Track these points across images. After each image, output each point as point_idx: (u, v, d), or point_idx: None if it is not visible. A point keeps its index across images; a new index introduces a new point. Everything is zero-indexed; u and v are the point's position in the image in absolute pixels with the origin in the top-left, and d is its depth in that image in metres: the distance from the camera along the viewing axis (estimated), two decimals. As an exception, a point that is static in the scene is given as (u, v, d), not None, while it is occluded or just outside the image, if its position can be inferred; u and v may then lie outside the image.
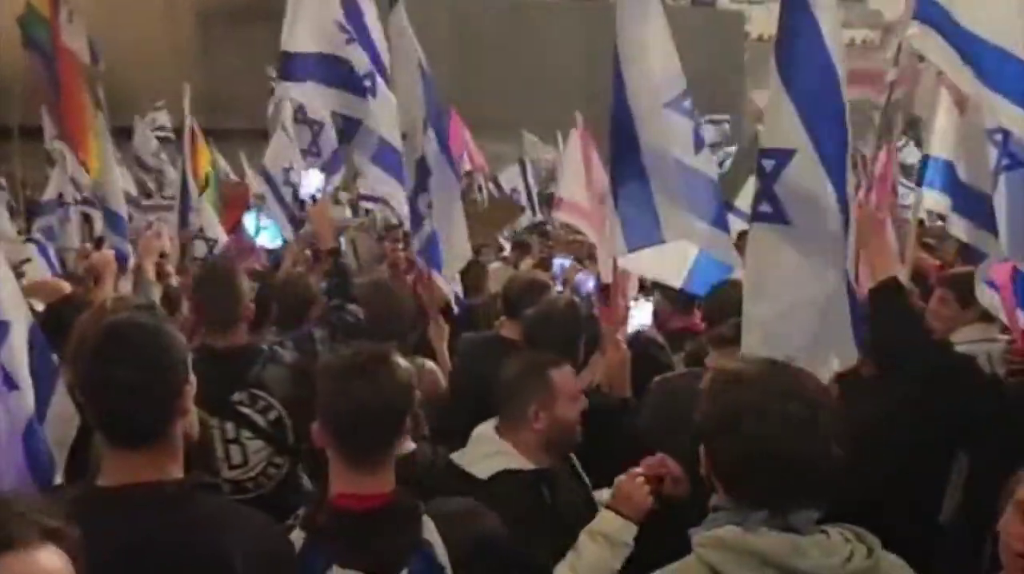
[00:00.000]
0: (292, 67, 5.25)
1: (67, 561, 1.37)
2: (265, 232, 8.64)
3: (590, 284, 6.65)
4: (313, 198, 6.97)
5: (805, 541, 1.82)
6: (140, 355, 1.93)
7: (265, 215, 8.60)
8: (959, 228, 4.40)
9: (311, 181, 7.31)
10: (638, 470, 2.80)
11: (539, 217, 11.23)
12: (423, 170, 4.75)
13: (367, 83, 5.22)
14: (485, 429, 3.09)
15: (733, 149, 13.34)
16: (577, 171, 8.41)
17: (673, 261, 4.32)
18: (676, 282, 4.48)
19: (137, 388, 1.91)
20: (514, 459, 2.98)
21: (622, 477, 2.81)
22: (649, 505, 2.74)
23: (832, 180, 2.95)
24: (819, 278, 2.99)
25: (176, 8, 20.26)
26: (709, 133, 11.43)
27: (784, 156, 2.97)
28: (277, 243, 8.49)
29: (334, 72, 5.24)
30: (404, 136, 4.86)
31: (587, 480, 3.20)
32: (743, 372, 1.97)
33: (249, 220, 8.92)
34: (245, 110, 11.30)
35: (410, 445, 2.92)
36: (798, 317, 2.98)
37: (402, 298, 4.38)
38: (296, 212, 8.07)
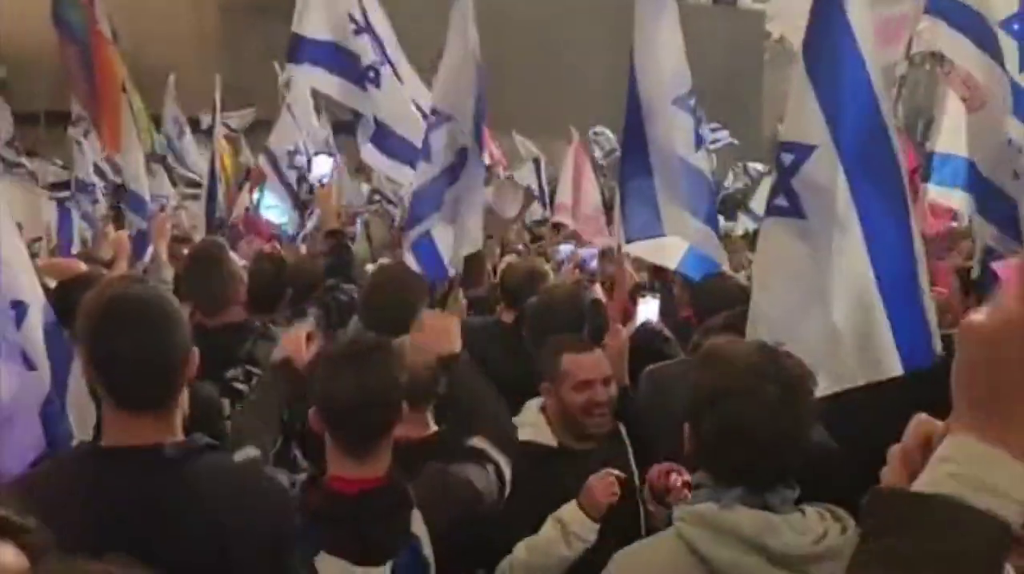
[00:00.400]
0: (300, 50, 5.36)
1: (22, 558, 1.32)
2: (272, 211, 8.70)
3: (594, 263, 6.76)
4: (321, 182, 7.08)
5: (778, 519, 1.87)
6: (142, 326, 1.97)
7: (272, 194, 8.72)
8: (986, 232, 4.38)
9: (320, 167, 7.40)
10: (613, 470, 2.86)
11: (548, 213, 11.35)
12: (462, 159, 4.76)
13: (371, 74, 5.30)
14: (533, 401, 3.19)
15: (760, 166, 13.45)
16: (567, 181, 9.03)
17: (671, 247, 4.44)
18: (672, 264, 4.59)
19: (142, 360, 1.95)
20: (538, 432, 3.06)
21: (595, 475, 2.87)
22: (608, 504, 2.79)
23: (850, 180, 2.93)
24: (827, 275, 2.97)
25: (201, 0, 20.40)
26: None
27: (804, 151, 2.95)
28: (284, 220, 8.58)
29: (339, 62, 5.34)
30: (448, 117, 4.75)
31: (633, 466, 3.17)
32: (728, 353, 2.03)
33: (256, 197, 9.01)
34: (268, 102, 11.41)
35: (433, 427, 2.98)
36: (806, 313, 2.98)
37: (410, 286, 4.42)
38: (303, 195, 8.16)
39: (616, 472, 2.86)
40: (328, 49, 5.35)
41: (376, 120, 5.39)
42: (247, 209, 9.12)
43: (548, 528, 2.79)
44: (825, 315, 2.95)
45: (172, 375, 1.99)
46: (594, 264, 6.58)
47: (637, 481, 3.10)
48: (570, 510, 2.81)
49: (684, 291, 5.11)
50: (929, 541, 0.83)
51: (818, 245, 2.97)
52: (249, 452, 2.46)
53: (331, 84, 5.48)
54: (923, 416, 0.94)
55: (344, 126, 7.47)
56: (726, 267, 4.43)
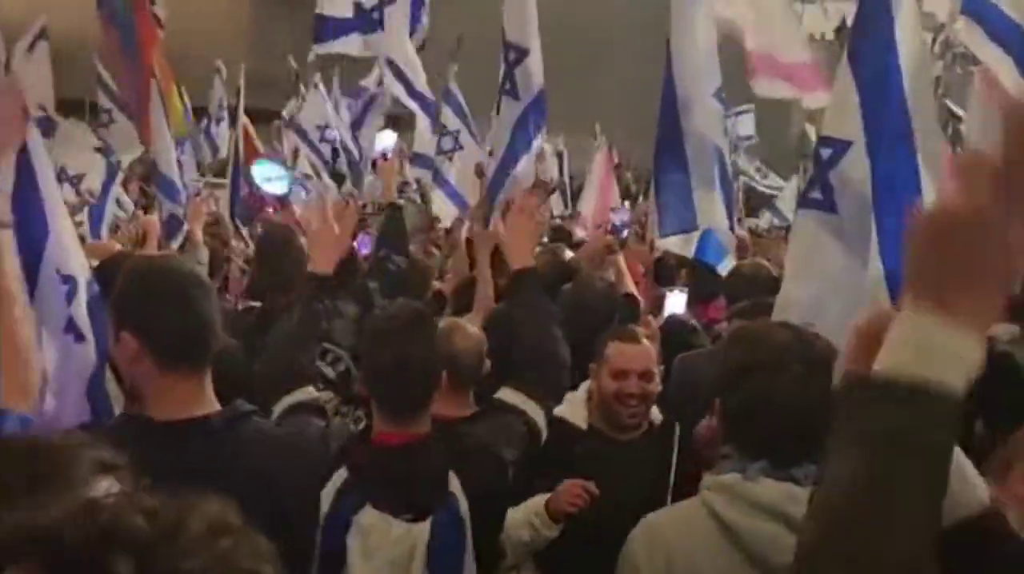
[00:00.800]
0: (323, 29, 5.58)
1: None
2: (273, 183, 8.69)
3: (625, 232, 6.82)
4: (384, 156, 7.24)
5: (801, 491, 1.90)
6: (182, 289, 2.05)
7: (272, 164, 8.73)
8: None
9: (383, 141, 7.53)
10: (588, 484, 2.86)
11: (570, 210, 11.34)
12: (541, 100, 4.76)
13: (375, 15, 5.49)
14: (588, 383, 3.25)
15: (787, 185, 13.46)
16: (591, 194, 9.32)
17: (690, 236, 4.58)
18: (690, 252, 4.73)
19: (188, 320, 2.03)
20: (572, 411, 3.13)
21: (570, 481, 2.90)
22: (567, 513, 2.83)
23: (874, 179, 2.96)
24: (855, 271, 3.01)
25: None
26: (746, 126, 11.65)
27: (842, 146, 3.00)
28: (284, 190, 8.59)
29: (349, 20, 5.56)
30: (525, 52, 4.75)
31: (672, 466, 3.16)
32: (757, 331, 2.08)
33: (256, 171, 9.01)
34: (297, 91, 11.57)
35: (473, 408, 3.03)
36: (831, 305, 3.01)
37: (419, 269, 4.50)
38: (338, 167, 8.25)
39: (590, 486, 2.86)
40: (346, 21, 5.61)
41: (389, 60, 5.63)
42: (249, 187, 9.17)
43: (522, 509, 2.85)
44: (849, 310, 2.97)
45: (212, 335, 2.07)
46: (626, 233, 6.64)
47: (672, 480, 3.12)
48: (536, 503, 2.87)
49: (689, 284, 5.17)
50: (881, 419, 0.88)
51: (848, 242, 3.01)
52: (310, 391, 2.60)
53: (350, 43, 5.74)
54: (882, 305, 0.99)
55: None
56: (732, 257, 4.62)
